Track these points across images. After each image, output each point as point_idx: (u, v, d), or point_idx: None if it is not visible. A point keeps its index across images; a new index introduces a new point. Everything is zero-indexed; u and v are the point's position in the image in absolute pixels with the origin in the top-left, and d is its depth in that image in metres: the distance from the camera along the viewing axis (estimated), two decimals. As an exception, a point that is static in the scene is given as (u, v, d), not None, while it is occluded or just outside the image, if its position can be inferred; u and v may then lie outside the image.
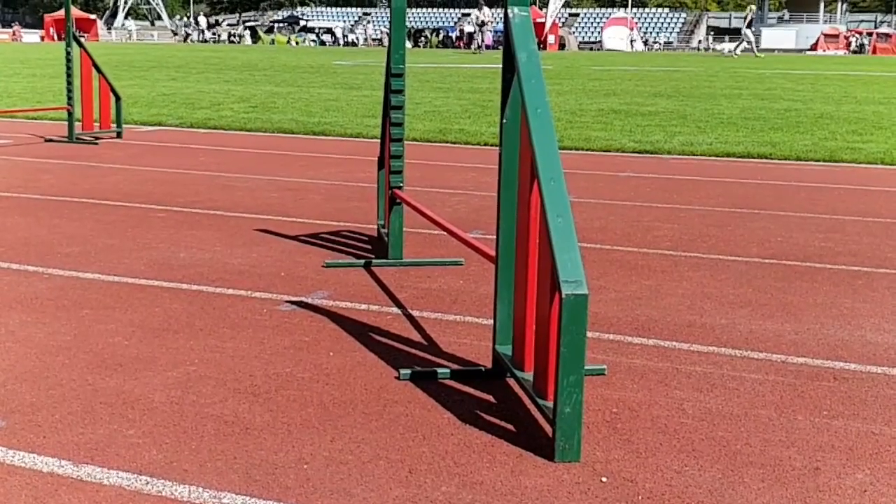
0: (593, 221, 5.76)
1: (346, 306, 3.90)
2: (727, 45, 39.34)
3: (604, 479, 2.40)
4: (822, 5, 71.06)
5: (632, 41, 57.51)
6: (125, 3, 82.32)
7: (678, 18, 74.51)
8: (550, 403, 2.57)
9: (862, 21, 69.01)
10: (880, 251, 5.11)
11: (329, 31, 66.74)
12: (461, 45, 54.95)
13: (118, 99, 9.85)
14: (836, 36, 56.65)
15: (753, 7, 41.77)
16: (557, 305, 2.44)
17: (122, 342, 3.40)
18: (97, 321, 3.64)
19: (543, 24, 51.83)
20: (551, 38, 54.49)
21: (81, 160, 8.23)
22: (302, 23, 72.01)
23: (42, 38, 61.73)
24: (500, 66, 3.01)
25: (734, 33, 69.47)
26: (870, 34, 49.41)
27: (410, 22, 70.15)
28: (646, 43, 62.19)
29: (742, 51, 39.01)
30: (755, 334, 3.63)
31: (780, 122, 11.92)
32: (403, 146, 4.69)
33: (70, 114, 9.56)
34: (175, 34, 75.35)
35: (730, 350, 3.44)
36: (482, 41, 44.79)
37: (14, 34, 62.90)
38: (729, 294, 4.16)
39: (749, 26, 39.94)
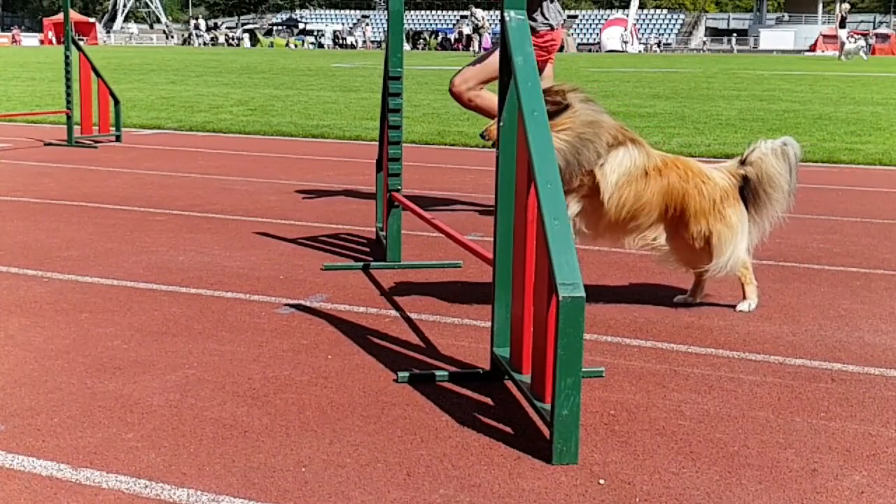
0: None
1: (344, 309, 3.91)
2: (848, 47, 37.54)
3: (602, 482, 2.40)
4: (820, 6, 71.15)
5: (624, 42, 57.31)
6: (124, 6, 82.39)
7: (676, 20, 74.57)
8: (548, 406, 2.57)
9: (861, 22, 69.08)
10: (878, 252, 5.12)
11: (321, 32, 66.98)
12: (459, 47, 55.01)
13: (117, 102, 9.85)
14: (836, 36, 56.70)
15: (847, 5, 40.11)
16: (554, 308, 2.45)
17: (120, 346, 3.40)
18: (96, 325, 3.65)
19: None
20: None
21: (80, 164, 8.24)
22: (301, 25, 72.05)
23: (41, 42, 61.78)
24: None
25: (735, 34, 69.49)
26: (864, 35, 49.34)
27: (408, 24, 70.19)
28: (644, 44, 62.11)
29: (848, 52, 37.28)
30: (753, 336, 3.63)
31: (778, 124, 11.93)
32: (402, 149, 4.70)
33: (69, 117, 9.57)
34: (168, 37, 75.35)
35: (727, 352, 3.44)
36: (480, 45, 44.88)
37: (13, 38, 62.93)
38: (726, 295, 4.17)
39: (843, 26, 38.72)
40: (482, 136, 4.16)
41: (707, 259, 3.88)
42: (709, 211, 3.82)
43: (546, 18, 5.67)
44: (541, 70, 5.82)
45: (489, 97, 5.69)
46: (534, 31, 5.63)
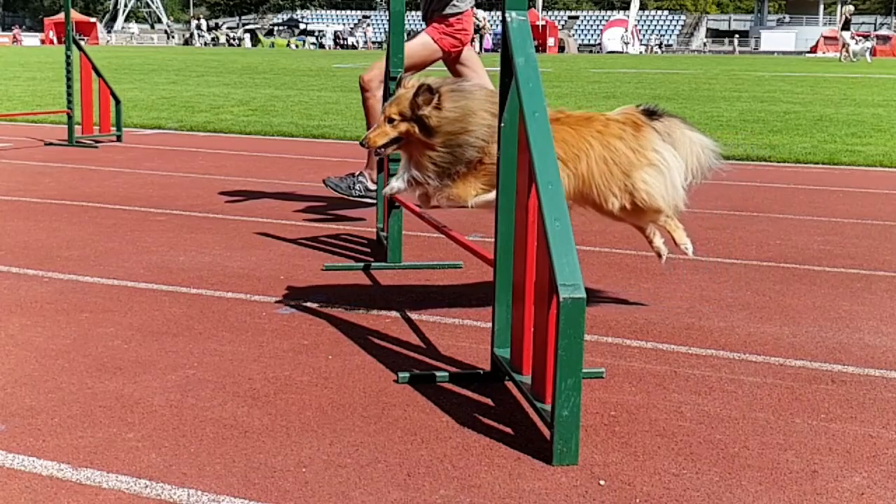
0: (591, 224, 5.74)
1: (344, 309, 3.91)
2: (854, 48, 37.25)
3: (602, 483, 2.40)
4: (821, 8, 71.17)
5: (625, 43, 57.30)
6: (125, 6, 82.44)
7: (677, 21, 74.58)
8: (548, 406, 2.57)
9: (863, 23, 69.09)
10: (879, 254, 5.12)
11: (322, 33, 67.01)
12: (460, 47, 54.99)
13: (118, 102, 9.86)
14: (837, 38, 56.70)
15: (851, 7, 39.92)
16: (555, 309, 2.45)
17: (121, 345, 3.40)
18: (96, 325, 3.65)
19: (537, 26, 51.89)
20: (551, 41, 54.56)
21: (81, 164, 8.24)
22: (302, 26, 72.07)
23: (42, 42, 61.82)
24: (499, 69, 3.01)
25: (738, 35, 69.51)
26: (865, 36, 49.28)
27: (409, 24, 70.18)
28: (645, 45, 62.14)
29: (854, 53, 37.10)
30: (753, 337, 3.63)
31: (779, 125, 11.93)
32: (402, 149, 4.70)
33: (70, 117, 9.57)
34: (169, 37, 75.43)
35: (728, 353, 3.44)
36: (481, 46, 44.94)
37: (14, 37, 62.97)
38: (727, 297, 4.17)
39: (846, 28, 38.65)
40: (362, 144, 3.72)
41: (643, 212, 3.60)
42: (627, 155, 3.49)
43: (457, 6, 5.77)
44: (456, 61, 6.01)
45: (377, 108, 5.67)
46: (443, 18, 5.74)
